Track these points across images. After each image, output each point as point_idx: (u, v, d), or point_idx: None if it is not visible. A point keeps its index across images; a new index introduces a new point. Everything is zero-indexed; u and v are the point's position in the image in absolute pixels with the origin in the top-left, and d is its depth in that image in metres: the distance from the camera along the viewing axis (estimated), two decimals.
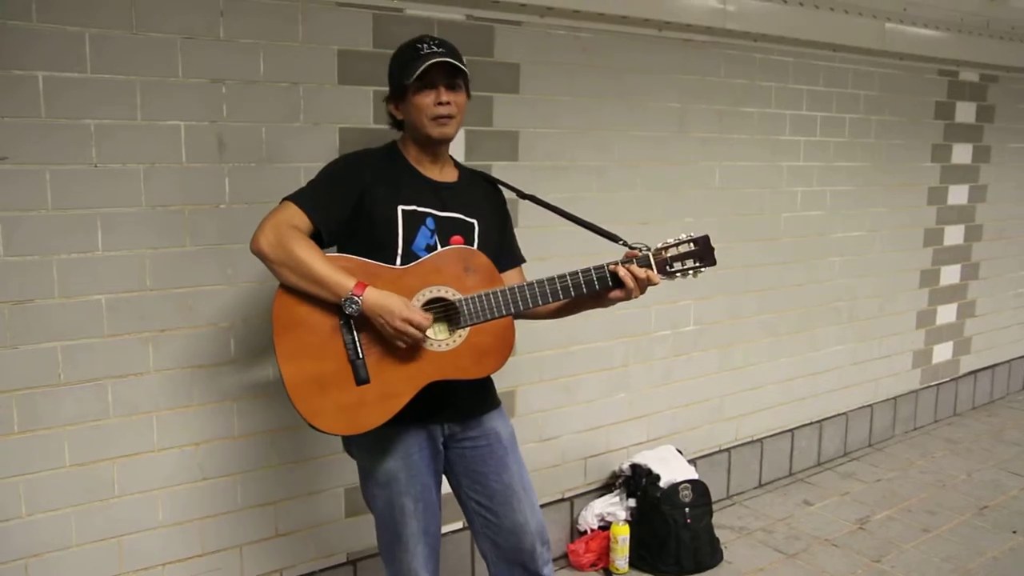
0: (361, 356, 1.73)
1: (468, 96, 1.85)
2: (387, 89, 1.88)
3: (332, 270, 1.69)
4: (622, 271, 1.78)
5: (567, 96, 2.79)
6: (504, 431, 1.95)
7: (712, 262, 1.83)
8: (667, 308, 3.20)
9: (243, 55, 2.14)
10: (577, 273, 1.79)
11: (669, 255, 1.81)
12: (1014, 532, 3.24)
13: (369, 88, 2.32)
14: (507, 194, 2.05)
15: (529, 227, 2.09)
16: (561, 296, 1.80)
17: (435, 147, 1.86)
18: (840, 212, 3.79)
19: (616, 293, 1.81)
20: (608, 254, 1.87)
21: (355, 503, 2.50)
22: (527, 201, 2.03)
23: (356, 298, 1.67)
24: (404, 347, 1.73)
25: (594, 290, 1.81)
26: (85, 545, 2.09)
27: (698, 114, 3.16)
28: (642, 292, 1.80)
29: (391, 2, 2.34)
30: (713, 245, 1.83)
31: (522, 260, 2.05)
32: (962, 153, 4.36)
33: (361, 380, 1.73)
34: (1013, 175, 4.72)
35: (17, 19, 1.85)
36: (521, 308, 1.78)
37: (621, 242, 1.89)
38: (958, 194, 4.39)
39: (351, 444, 1.93)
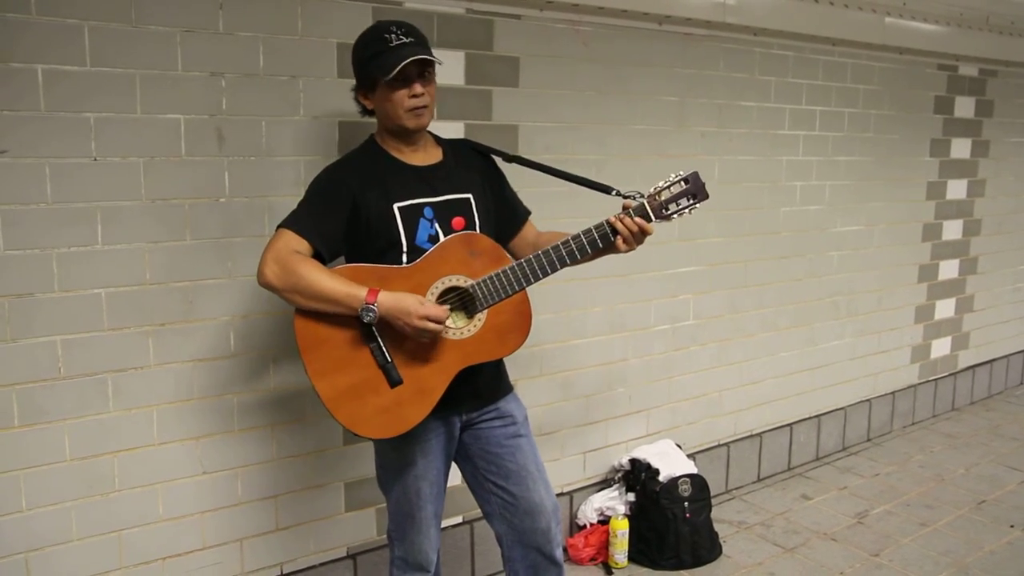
0: (390, 360, 1.76)
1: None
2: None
3: (342, 284, 1.71)
4: (619, 224, 1.80)
5: (567, 90, 2.78)
6: (519, 414, 2.00)
7: (705, 196, 1.84)
8: (666, 303, 3.20)
9: (242, 48, 2.13)
10: (580, 236, 1.82)
11: (663, 198, 1.82)
12: (1012, 526, 3.25)
13: None
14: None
15: (520, 191, 2.12)
16: (568, 262, 1.83)
17: (412, 135, 1.88)
18: (839, 207, 3.79)
19: (621, 242, 1.84)
20: (603, 205, 1.89)
21: (355, 497, 2.50)
22: (515, 164, 2.05)
23: (371, 306, 1.69)
24: (428, 341, 1.76)
25: (598, 247, 1.83)
26: (85, 539, 2.09)
27: (697, 108, 3.15)
28: (639, 243, 1.83)
29: None
30: (703, 180, 1.84)
31: (528, 213, 2.09)
32: (961, 148, 4.36)
33: (395, 382, 1.77)
34: (1012, 170, 4.72)
35: (16, 11, 1.84)
36: (532, 280, 1.81)
37: (614, 192, 1.92)
38: (957, 189, 4.39)
39: None
